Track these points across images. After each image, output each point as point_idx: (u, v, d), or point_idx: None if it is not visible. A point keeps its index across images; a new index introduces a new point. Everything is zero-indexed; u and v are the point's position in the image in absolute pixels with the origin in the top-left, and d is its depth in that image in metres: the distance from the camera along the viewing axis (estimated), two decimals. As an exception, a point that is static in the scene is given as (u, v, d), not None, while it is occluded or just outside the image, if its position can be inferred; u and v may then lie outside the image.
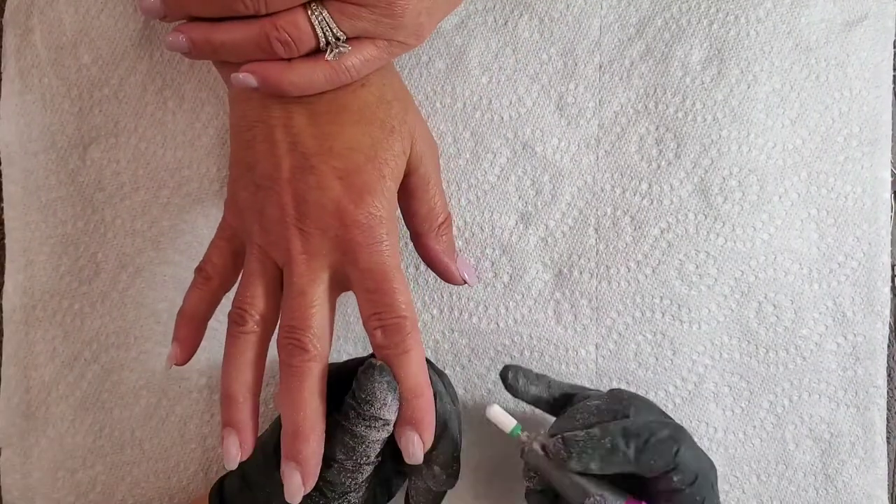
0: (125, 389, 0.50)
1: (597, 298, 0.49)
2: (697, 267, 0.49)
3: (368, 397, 0.39)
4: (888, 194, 0.50)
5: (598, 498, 0.40)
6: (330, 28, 0.39)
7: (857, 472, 0.49)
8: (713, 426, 0.50)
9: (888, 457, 0.50)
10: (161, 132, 0.50)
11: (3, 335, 0.51)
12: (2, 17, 0.50)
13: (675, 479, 0.40)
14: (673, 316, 0.49)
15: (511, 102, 0.50)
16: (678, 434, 0.41)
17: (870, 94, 0.49)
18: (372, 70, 0.42)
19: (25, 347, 0.50)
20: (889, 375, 0.50)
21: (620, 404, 0.42)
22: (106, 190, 0.50)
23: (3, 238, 0.51)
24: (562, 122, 0.50)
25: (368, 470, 0.41)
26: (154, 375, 0.50)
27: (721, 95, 0.49)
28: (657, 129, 0.49)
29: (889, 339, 0.50)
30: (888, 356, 0.50)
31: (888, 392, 0.50)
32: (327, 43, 0.40)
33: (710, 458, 0.48)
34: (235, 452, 0.40)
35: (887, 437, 0.50)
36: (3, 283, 0.51)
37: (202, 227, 0.50)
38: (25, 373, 0.50)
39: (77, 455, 0.50)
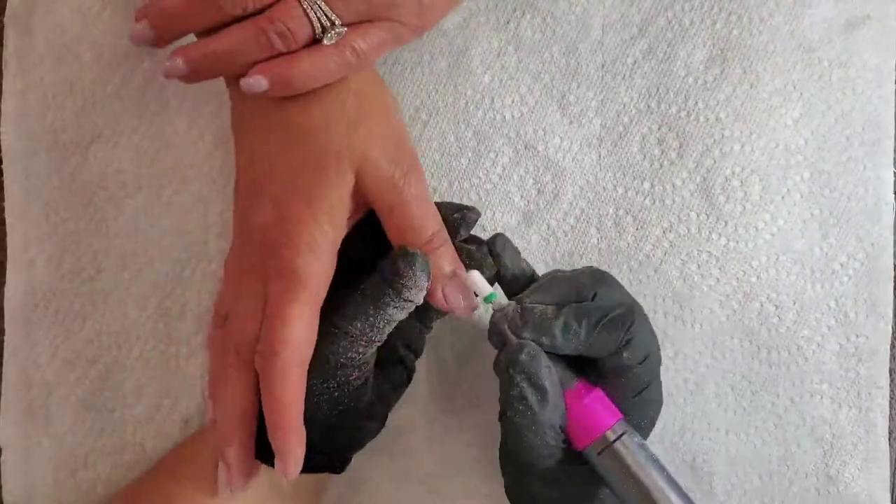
0: (127, 390, 0.50)
1: (599, 298, 0.49)
2: (699, 267, 0.49)
3: (409, 283, 0.40)
4: (891, 194, 0.50)
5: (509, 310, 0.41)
6: (323, 12, 0.40)
7: (860, 472, 0.49)
8: (715, 426, 0.50)
9: (890, 457, 0.50)
10: (163, 131, 0.50)
11: (4, 334, 0.51)
12: (3, 16, 0.50)
13: (624, 355, 0.40)
14: (675, 316, 0.49)
15: (513, 101, 0.50)
16: (632, 313, 0.41)
17: (872, 94, 0.49)
18: (384, 53, 0.42)
19: (27, 347, 0.50)
20: (891, 376, 0.50)
21: (589, 286, 0.42)
22: (108, 189, 0.50)
23: (5, 237, 0.51)
24: (564, 121, 0.50)
25: (374, 350, 0.42)
26: (156, 375, 0.50)
27: (723, 95, 0.49)
28: (659, 128, 0.49)
29: (891, 340, 0.50)
30: (891, 357, 0.50)
31: (891, 392, 0.50)
32: (323, 29, 0.40)
33: (713, 456, 0.48)
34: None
35: (889, 438, 0.50)
36: (4, 282, 0.51)
37: (204, 227, 0.50)
38: (27, 372, 0.50)
39: (78, 455, 0.50)
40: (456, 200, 0.50)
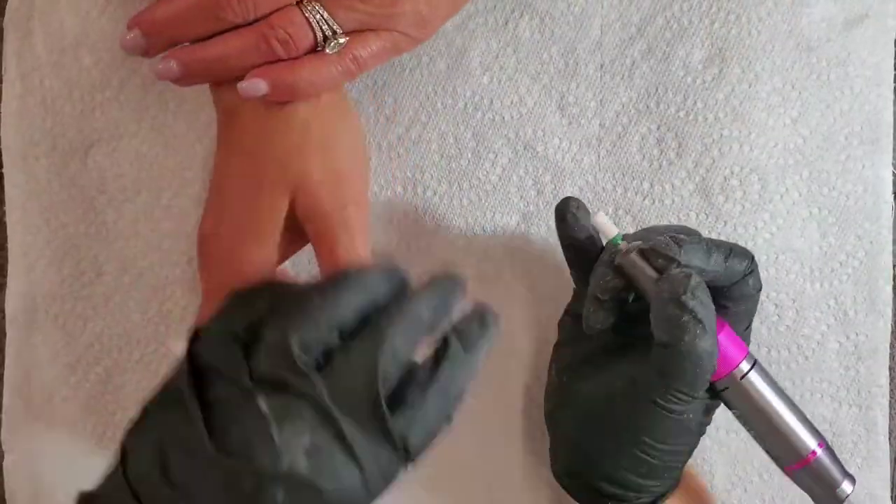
0: (128, 393, 0.50)
1: (599, 298, 0.49)
2: (699, 266, 0.49)
3: None
4: (890, 193, 0.50)
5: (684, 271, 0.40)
6: (326, 21, 0.40)
7: (860, 471, 0.49)
8: (715, 425, 0.49)
9: (891, 456, 0.50)
10: (162, 134, 0.50)
11: (5, 338, 0.51)
12: (2, 19, 0.50)
13: (749, 282, 0.42)
14: (675, 316, 0.49)
15: (512, 102, 0.50)
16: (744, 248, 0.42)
17: (871, 93, 0.49)
18: (383, 62, 0.43)
19: (27, 351, 0.50)
20: (891, 374, 0.50)
21: (690, 230, 0.43)
22: (107, 193, 0.50)
23: (5, 241, 0.51)
24: (563, 121, 0.50)
25: None
26: (157, 378, 0.50)
27: (722, 95, 0.49)
28: (658, 128, 0.49)
29: (891, 338, 0.50)
30: (890, 355, 0.50)
31: (891, 391, 0.50)
32: (325, 38, 0.40)
33: (713, 455, 0.49)
34: None
35: (890, 437, 0.50)
36: (5, 285, 0.51)
37: (204, 230, 0.50)
38: (28, 376, 0.50)
39: (81, 458, 0.50)
40: (455, 202, 0.50)
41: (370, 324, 0.34)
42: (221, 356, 0.33)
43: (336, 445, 0.32)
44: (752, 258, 0.42)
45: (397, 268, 0.37)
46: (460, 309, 0.37)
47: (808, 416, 0.49)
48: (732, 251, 0.41)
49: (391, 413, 0.33)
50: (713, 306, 0.39)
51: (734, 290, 0.42)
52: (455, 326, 0.36)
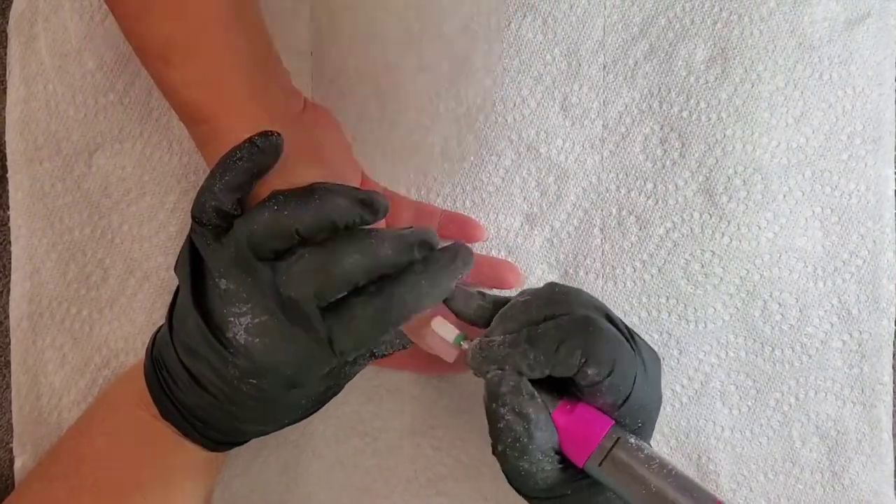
0: (135, 395, 0.51)
1: (603, 298, 0.50)
2: (703, 266, 0.49)
3: None
4: (892, 191, 0.50)
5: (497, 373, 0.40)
6: None
7: (864, 469, 0.50)
8: (720, 425, 0.50)
9: (895, 453, 0.50)
10: (167, 137, 0.50)
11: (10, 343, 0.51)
12: (7, 24, 0.50)
13: (590, 372, 0.39)
14: (679, 315, 0.50)
15: (515, 104, 0.50)
16: (585, 329, 0.39)
17: (873, 92, 0.49)
18: None
19: (34, 355, 0.51)
20: (895, 372, 0.50)
21: (548, 306, 0.41)
22: (112, 196, 0.50)
23: (9, 245, 0.51)
24: (566, 122, 0.50)
25: None
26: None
27: (725, 94, 0.49)
28: (661, 128, 0.49)
29: (895, 336, 0.50)
30: (894, 353, 0.50)
31: (894, 389, 0.50)
32: None
33: (718, 454, 0.48)
34: None
35: (894, 434, 0.50)
36: (9, 290, 0.51)
37: (209, 232, 0.50)
38: (36, 380, 0.51)
39: (88, 461, 0.51)
40: (458, 203, 0.50)
41: (328, 239, 0.39)
42: (200, 243, 0.40)
43: (270, 328, 0.39)
44: (585, 344, 0.39)
45: (373, 194, 0.40)
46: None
47: (813, 414, 0.50)
48: (559, 347, 0.39)
49: (326, 315, 0.39)
50: (538, 403, 0.39)
51: (578, 380, 0.39)
52: (426, 255, 0.40)
